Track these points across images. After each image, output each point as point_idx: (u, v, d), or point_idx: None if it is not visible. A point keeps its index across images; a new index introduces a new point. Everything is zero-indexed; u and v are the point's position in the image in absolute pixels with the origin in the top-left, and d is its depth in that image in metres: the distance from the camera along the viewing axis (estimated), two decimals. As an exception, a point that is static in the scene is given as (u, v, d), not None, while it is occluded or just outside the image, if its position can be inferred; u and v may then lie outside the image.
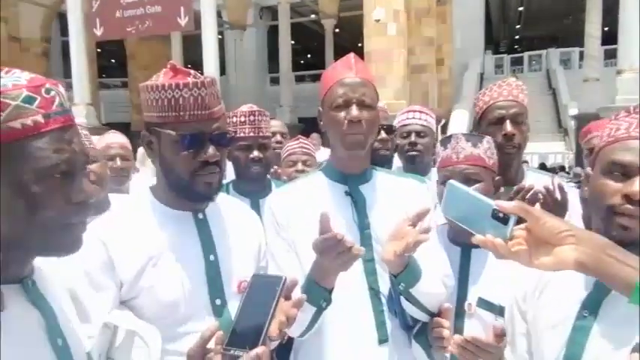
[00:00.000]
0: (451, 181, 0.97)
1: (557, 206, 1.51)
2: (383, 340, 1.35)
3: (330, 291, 1.24)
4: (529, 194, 1.53)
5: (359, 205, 1.38)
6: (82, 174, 0.76)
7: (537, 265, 0.82)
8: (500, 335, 1.20)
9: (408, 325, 1.39)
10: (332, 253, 1.13)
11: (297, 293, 1.02)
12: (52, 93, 0.74)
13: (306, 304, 1.19)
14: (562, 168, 11.11)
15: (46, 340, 0.77)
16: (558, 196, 1.53)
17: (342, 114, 1.32)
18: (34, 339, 0.76)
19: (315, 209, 1.36)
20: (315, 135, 5.20)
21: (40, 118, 0.71)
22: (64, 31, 14.54)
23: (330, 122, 1.36)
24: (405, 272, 1.24)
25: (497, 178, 1.50)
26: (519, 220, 0.82)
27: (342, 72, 1.37)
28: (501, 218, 0.82)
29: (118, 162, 2.35)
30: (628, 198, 0.89)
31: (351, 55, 1.42)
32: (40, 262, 0.83)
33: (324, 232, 1.12)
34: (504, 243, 0.82)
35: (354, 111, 1.30)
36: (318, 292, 1.22)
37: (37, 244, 0.74)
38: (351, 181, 1.40)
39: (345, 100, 1.31)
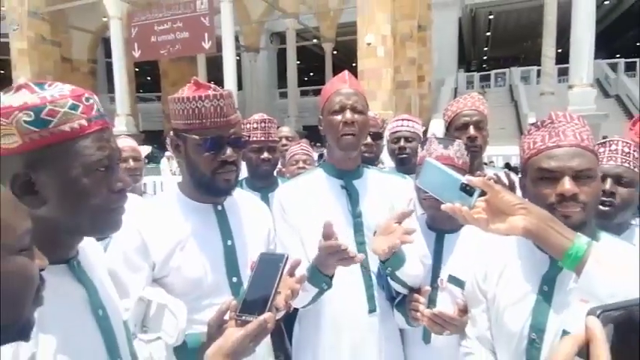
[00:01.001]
0: (428, 158, 0.98)
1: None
2: (372, 310, 1.35)
3: (331, 277, 1.23)
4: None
5: (352, 197, 1.37)
6: (118, 167, 0.76)
7: (493, 230, 0.84)
8: (464, 310, 1.20)
9: (392, 297, 1.40)
10: (335, 256, 1.12)
11: (300, 271, 1.02)
12: (91, 101, 0.73)
13: (309, 286, 1.20)
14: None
15: (89, 311, 0.76)
16: (505, 181, 1.57)
17: (339, 117, 1.31)
18: (79, 310, 0.75)
19: (315, 200, 1.36)
20: (304, 140, 5.26)
21: (84, 122, 0.70)
22: (107, 53, 14.51)
23: (328, 125, 1.35)
24: (392, 259, 1.24)
25: (465, 175, 1.50)
26: (481, 195, 0.86)
27: (338, 84, 1.36)
28: (467, 191, 0.85)
29: (131, 163, 2.30)
30: (562, 196, 0.91)
31: (346, 71, 1.42)
32: (85, 246, 0.82)
33: (327, 237, 1.11)
34: (469, 210, 0.84)
35: (348, 114, 1.30)
36: (321, 278, 1.22)
37: (87, 227, 0.74)
38: (346, 177, 1.39)
39: (341, 106, 1.31)
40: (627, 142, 1.34)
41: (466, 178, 0.86)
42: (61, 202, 0.70)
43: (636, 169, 1.33)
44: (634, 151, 1.33)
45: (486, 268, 1.10)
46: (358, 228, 1.35)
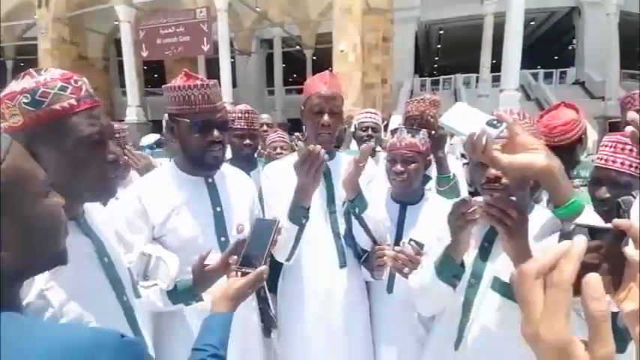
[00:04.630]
0: (459, 102, 0.87)
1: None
2: (342, 265, 1.36)
3: (308, 209, 1.21)
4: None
5: (326, 175, 1.36)
6: (108, 141, 0.73)
7: (511, 163, 0.71)
8: (418, 253, 1.21)
9: (359, 255, 1.40)
10: (307, 163, 1.09)
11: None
12: (80, 83, 0.70)
13: (290, 225, 1.20)
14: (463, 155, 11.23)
15: (96, 259, 0.75)
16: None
17: (317, 119, 1.29)
18: (87, 259, 0.74)
19: (295, 177, 1.32)
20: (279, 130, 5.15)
21: (73, 101, 0.67)
22: (119, 52, 13.80)
23: (308, 121, 1.33)
24: (359, 198, 1.25)
25: (428, 158, 1.50)
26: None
27: (319, 85, 1.30)
28: (494, 125, 0.72)
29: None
30: (488, 179, 0.94)
31: (327, 72, 1.35)
32: (89, 207, 0.80)
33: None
34: (490, 141, 0.71)
35: (325, 117, 1.28)
36: (300, 212, 1.20)
37: (84, 193, 0.72)
38: None
39: (320, 108, 1.28)
40: None
41: (496, 114, 0.75)
42: (59, 172, 0.67)
43: None
44: None
45: (444, 227, 1.11)
46: (330, 199, 1.35)
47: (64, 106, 0.66)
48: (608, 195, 1.15)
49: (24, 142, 0.63)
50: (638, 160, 1.11)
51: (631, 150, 1.12)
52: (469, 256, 1.02)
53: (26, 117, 0.64)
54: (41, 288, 0.63)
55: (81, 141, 0.67)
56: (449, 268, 0.98)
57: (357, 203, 1.26)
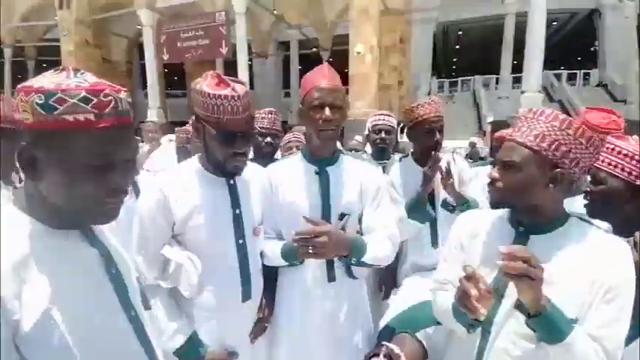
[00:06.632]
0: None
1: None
2: (331, 279, 1.26)
3: (302, 261, 1.20)
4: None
5: (323, 182, 1.24)
6: (121, 166, 0.63)
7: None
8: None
9: (354, 277, 1.30)
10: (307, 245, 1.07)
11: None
12: (110, 97, 0.61)
13: (281, 260, 1.21)
14: (481, 158, 10.96)
15: (103, 270, 0.70)
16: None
17: (318, 114, 1.15)
18: (93, 270, 0.69)
19: (292, 182, 1.27)
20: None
21: (91, 116, 0.59)
22: (141, 55, 14.16)
23: (308, 118, 1.18)
24: (354, 249, 1.15)
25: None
26: None
27: (318, 78, 1.18)
28: None
29: None
30: (490, 180, 0.92)
31: (325, 65, 1.22)
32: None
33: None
34: None
35: (327, 112, 1.14)
36: (295, 259, 1.19)
37: (73, 214, 0.64)
38: (321, 163, 1.26)
39: (321, 102, 1.14)
40: None
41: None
42: (51, 184, 0.61)
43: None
44: None
45: (468, 230, 1.05)
46: (326, 211, 1.23)
47: (77, 119, 0.58)
48: (586, 189, 1.16)
49: (27, 141, 0.58)
50: (617, 159, 1.09)
51: (608, 148, 1.12)
52: (490, 263, 0.95)
53: (35, 118, 0.57)
54: (47, 306, 0.58)
55: (81, 161, 0.59)
56: (464, 316, 0.89)
57: (352, 256, 1.15)
